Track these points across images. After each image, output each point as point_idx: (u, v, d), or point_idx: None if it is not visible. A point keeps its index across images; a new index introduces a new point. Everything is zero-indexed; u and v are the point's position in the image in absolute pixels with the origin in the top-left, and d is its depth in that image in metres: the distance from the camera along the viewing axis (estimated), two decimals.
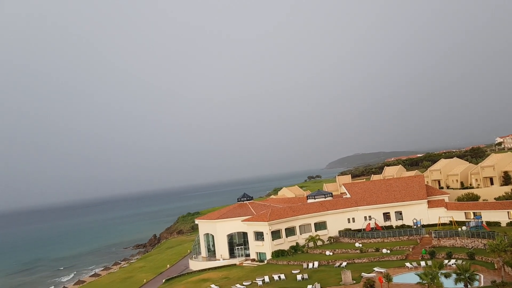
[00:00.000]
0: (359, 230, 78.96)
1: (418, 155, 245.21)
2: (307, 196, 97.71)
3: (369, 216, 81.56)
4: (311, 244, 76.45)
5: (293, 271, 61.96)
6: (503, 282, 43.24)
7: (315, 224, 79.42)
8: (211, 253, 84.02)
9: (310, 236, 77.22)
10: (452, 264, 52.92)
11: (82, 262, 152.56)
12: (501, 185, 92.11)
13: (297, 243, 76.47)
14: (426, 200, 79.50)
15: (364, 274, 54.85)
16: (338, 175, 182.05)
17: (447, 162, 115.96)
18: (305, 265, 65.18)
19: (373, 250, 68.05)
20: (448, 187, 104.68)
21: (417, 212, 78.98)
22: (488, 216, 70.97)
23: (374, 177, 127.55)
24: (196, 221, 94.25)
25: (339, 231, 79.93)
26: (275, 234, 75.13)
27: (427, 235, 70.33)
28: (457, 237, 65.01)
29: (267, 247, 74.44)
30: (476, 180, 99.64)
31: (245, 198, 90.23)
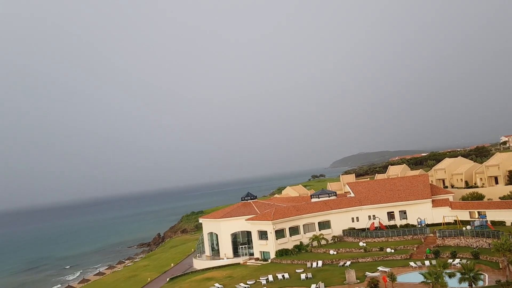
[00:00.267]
0: (363, 229, 78.91)
1: (423, 154, 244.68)
2: (311, 195, 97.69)
3: (373, 215, 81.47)
4: (315, 243, 76.52)
5: (297, 270, 61.95)
6: (508, 282, 43.05)
7: (319, 223, 79.44)
8: (215, 252, 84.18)
9: (314, 235, 77.27)
10: (457, 264, 52.75)
11: (87, 261, 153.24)
12: (506, 184, 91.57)
13: (301, 242, 76.50)
14: (431, 199, 79.29)
15: (368, 274, 54.82)
16: (342, 174, 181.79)
17: (451, 161, 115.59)
18: (309, 264, 65.22)
19: (377, 250, 68.04)
20: (452, 186, 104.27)
21: (421, 211, 78.80)
22: (492, 215, 70.68)
23: (378, 176, 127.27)
24: (200, 220, 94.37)
25: (343, 230, 79.96)
26: (279, 233, 75.21)
27: (432, 235, 70.23)
28: (461, 237, 64.81)
29: (271, 246, 74.52)
30: (481, 179, 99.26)
31: (249, 197, 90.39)
